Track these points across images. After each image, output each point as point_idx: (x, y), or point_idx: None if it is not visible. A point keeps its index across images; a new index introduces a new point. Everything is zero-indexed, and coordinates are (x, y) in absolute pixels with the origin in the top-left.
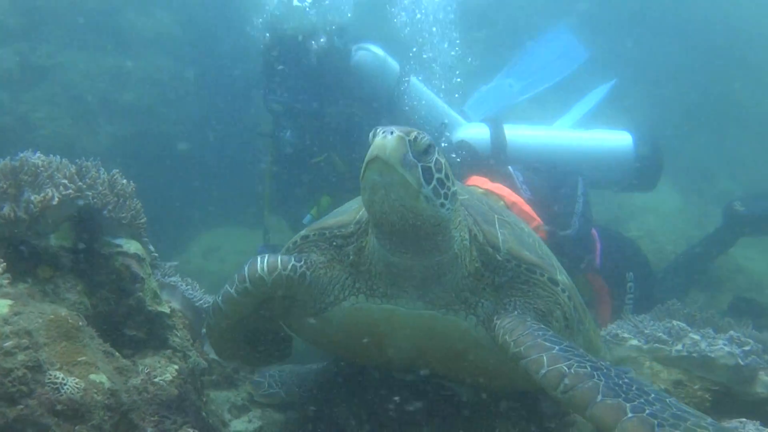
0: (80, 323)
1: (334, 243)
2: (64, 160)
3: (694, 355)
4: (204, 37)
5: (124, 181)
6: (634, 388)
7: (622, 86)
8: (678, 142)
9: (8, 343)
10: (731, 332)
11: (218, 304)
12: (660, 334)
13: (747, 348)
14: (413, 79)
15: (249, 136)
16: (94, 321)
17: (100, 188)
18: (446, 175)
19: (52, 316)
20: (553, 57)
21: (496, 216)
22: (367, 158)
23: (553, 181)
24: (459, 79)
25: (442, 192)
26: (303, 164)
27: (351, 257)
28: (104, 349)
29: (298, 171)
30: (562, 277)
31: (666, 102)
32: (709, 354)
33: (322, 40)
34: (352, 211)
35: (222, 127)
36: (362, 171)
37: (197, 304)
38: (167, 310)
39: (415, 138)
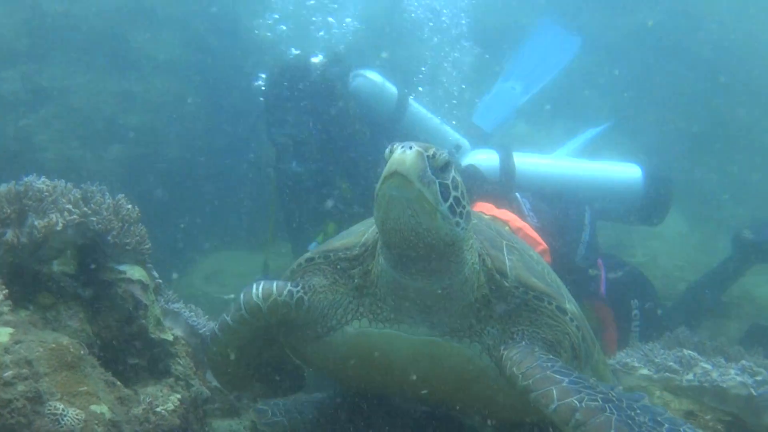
0: (82, 352)
1: (339, 266)
2: (68, 184)
3: (706, 384)
4: (210, 60)
5: (129, 206)
6: (647, 420)
7: (627, 110)
8: (683, 166)
9: (8, 373)
10: (743, 361)
11: (216, 333)
12: (670, 363)
13: (759, 378)
14: (416, 105)
15: (254, 156)
16: (95, 349)
17: (105, 213)
18: (462, 194)
19: (53, 345)
20: (546, 52)
21: (504, 242)
22: (384, 173)
23: (561, 210)
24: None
25: (458, 210)
26: (308, 193)
27: (356, 280)
28: (105, 379)
29: (304, 200)
30: (570, 306)
31: (671, 126)
32: (720, 384)
33: (319, 70)
34: (357, 234)
35: (227, 151)
36: (378, 186)
37: (201, 331)
38: (170, 338)
39: (434, 154)
